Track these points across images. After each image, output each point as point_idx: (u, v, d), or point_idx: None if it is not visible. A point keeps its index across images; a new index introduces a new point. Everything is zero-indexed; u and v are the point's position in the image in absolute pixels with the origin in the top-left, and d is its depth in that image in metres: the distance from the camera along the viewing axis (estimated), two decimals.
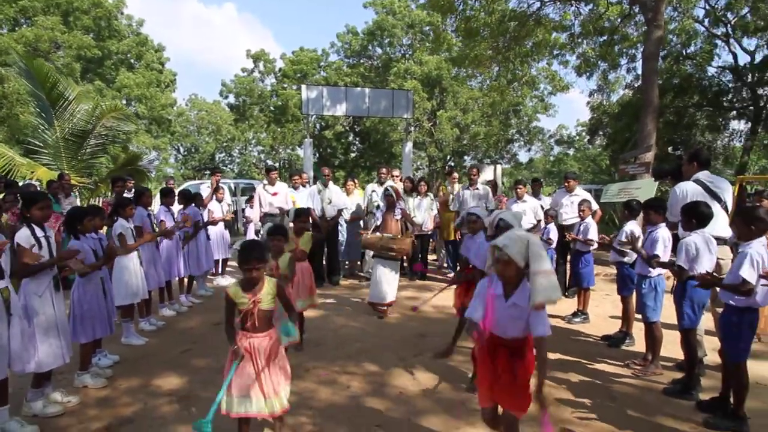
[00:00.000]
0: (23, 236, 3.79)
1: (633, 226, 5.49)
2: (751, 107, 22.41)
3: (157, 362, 5.14)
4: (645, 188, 9.52)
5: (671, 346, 5.23)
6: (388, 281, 6.97)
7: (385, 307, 7.02)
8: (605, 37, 18.53)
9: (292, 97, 35.70)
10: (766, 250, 3.56)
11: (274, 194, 8.73)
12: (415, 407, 4.16)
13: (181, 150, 43.52)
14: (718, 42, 22.49)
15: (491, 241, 2.95)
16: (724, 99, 23.57)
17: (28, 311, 3.76)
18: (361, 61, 36.82)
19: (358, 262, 10.42)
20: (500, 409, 3.02)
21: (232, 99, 40.40)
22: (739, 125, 24.78)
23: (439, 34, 21.00)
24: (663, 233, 4.76)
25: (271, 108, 39.13)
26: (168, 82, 36.69)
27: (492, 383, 2.94)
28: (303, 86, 18.31)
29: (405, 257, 9.12)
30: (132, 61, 33.91)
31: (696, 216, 4.22)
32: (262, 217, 8.75)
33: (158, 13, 53.54)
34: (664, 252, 4.71)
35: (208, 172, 40.20)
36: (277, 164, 43.80)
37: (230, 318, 3.28)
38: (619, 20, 17.55)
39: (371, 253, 9.40)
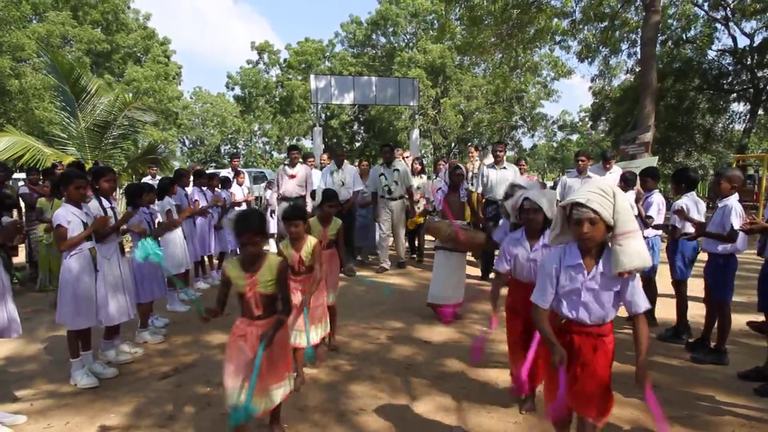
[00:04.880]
0: (93, 207, 4.36)
1: (629, 196, 6.05)
2: (751, 89, 22.81)
3: (203, 325, 5.71)
4: (644, 167, 10.02)
5: (667, 308, 5.77)
6: (453, 278, 5.71)
7: (451, 310, 5.75)
8: (606, 23, 18.97)
9: (297, 88, 36.23)
10: (740, 205, 4.16)
11: (292, 176, 8.22)
12: (439, 352, 4.75)
13: (187, 143, 44.10)
14: (718, 25, 22.86)
15: (568, 199, 2.40)
16: (724, 82, 23.97)
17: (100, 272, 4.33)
18: (365, 50, 37.26)
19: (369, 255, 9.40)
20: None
21: (238, 91, 40.92)
22: (739, 107, 25.21)
23: (444, 22, 21.43)
24: (657, 198, 5.30)
25: (277, 99, 39.65)
26: (174, 75, 37.26)
27: (570, 386, 2.44)
28: (312, 76, 18.85)
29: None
30: (139, 54, 34.47)
31: (685, 180, 4.77)
32: (280, 200, 8.36)
33: (156, 5, 53.96)
34: (658, 214, 5.24)
35: (214, 164, 40.87)
36: (283, 155, 44.41)
37: (221, 296, 2.94)
38: (619, 6, 17.99)
39: (387, 245, 8.66)
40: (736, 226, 4.09)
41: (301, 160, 8.60)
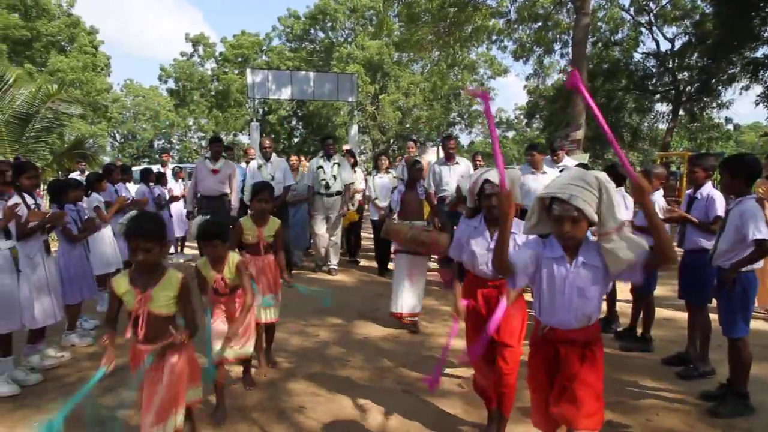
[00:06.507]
0: (15, 202, 4.10)
1: None
2: (673, 91, 24.08)
3: None
4: (576, 163, 10.42)
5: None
6: (420, 285, 5.34)
7: (416, 318, 5.37)
8: (539, 24, 19.54)
9: (233, 82, 35.44)
10: (664, 200, 4.41)
11: (214, 172, 7.28)
12: (378, 348, 4.78)
13: (118, 137, 42.35)
14: (643, 29, 24.02)
15: (542, 192, 2.23)
16: (649, 83, 25.19)
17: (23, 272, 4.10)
18: (303, 45, 36.89)
19: (310, 251, 8.89)
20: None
21: (172, 84, 39.58)
22: (662, 107, 26.54)
23: (382, 18, 21.50)
24: None
25: (212, 93, 38.63)
26: (102, 66, 35.58)
27: (554, 400, 2.26)
28: (248, 70, 18.45)
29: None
30: (63, 43, 32.68)
31: (614, 176, 4.97)
32: (199, 200, 7.39)
33: None
34: None
35: (147, 159, 39.43)
36: None
37: (111, 314, 2.66)
38: (551, 7, 18.57)
39: (334, 243, 8.02)
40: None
41: (225, 154, 7.71)
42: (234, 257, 3.35)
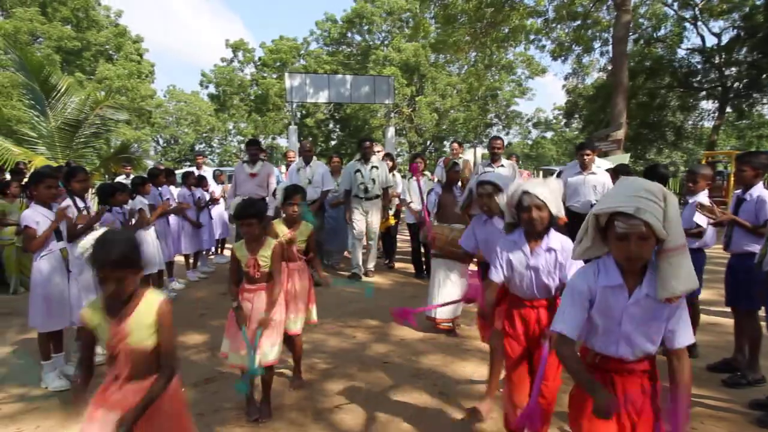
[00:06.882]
0: (66, 204, 4.30)
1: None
2: (719, 87, 23.32)
3: (177, 324, 5.53)
4: (617, 164, 10.19)
5: None
6: (455, 289, 5.08)
7: (451, 324, 5.29)
8: (578, 22, 19.24)
9: (272, 86, 35.99)
10: (710, 200, 4.26)
11: (252, 176, 7.38)
12: (415, 349, 4.79)
13: (161, 141, 43.54)
14: (687, 25, 23.36)
15: (599, 207, 1.91)
16: (694, 80, 24.47)
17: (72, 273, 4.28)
18: (340, 48, 37.22)
19: (345, 253, 8.84)
20: None
21: (212, 89, 40.48)
22: (708, 105, 25.75)
23: (418, 20, 21.51)
24: None
25: (252, 97, 39.34)
26: (147, 73, 36.74)
27: None
28: (286, 74, 18.76)
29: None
30: (111, 52, 33.90)
31: (657, 177, 4.87)
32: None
33: (126, 1, 53.39)
34: None
35: (188, 162, 40.44)
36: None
37: (85, 355, 2.25)
38: (590, 5, 18.26)
39: (360, 250, 7.79)
40: (702, 223, 4.19)
41: (263, 157, 7.71)
42: (271, 241, 3.36)
